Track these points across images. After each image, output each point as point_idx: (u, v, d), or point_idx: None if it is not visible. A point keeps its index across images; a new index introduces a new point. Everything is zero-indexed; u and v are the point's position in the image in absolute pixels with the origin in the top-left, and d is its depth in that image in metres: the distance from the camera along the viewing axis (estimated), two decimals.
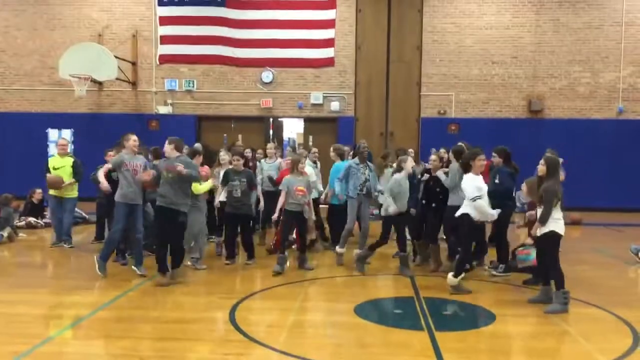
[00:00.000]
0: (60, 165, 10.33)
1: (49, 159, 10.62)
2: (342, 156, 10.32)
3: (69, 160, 10.40)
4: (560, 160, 7.35)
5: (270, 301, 7.26)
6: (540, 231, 6.82)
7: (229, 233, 9.09)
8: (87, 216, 12.87)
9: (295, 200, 8.58)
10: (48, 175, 10.25)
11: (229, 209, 8.88)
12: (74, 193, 10.48)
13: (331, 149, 10.76)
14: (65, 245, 10.23)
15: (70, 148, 17.17)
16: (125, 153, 8.17)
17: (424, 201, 8.91)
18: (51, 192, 10.38)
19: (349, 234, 9.36)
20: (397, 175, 8.37)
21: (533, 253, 7.78)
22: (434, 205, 8.72)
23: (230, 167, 9.19)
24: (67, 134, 17.45)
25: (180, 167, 7.57)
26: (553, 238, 6.79)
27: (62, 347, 5.62)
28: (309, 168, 10.12)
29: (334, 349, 5.62)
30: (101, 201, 10.55)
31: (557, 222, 6.77)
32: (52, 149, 15.91)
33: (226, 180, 8.87)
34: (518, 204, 10.12)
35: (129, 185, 8.03)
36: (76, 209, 12.67)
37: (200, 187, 8.49)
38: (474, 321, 6.50)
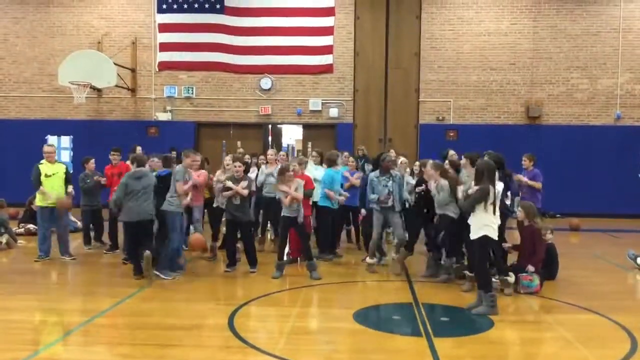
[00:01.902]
0: (53, 172, 9.80)
1: (39, 166, 9.75)
2: (331, 163, 10.02)
3: (62, 167, 10.00)
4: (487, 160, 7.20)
5: (269, 307, 7.27)
6: (473, 235, 6.91)
7: (228, 240, 9.04)
8: (79, 223, 12.63)
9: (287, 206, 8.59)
10: (58, 200, 9.65)
11: (228, 215, 8.85)
12: None
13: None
14: (67, 258, 9.88)
15: (69, 155, 17.31)
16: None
17: (425, 210, 8.87)
18: (41, 203, 9.76)
19: (375, 244, 9.22)
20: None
21: (536, 280, 7.83)
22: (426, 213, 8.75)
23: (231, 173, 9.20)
24: (66, 140, 17.50)
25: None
26: (484, 242, 6.88)
27: (61, 354, 5.62)
28: (315, 171, 10.17)
29: (332, 355, 5.63)
30: (85, 208, 10.67)
31: (489, 227, 6.86)
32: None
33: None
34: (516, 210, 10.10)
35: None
36: (71, 217, 12.69)
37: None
38: (472, 327, 6.50)
